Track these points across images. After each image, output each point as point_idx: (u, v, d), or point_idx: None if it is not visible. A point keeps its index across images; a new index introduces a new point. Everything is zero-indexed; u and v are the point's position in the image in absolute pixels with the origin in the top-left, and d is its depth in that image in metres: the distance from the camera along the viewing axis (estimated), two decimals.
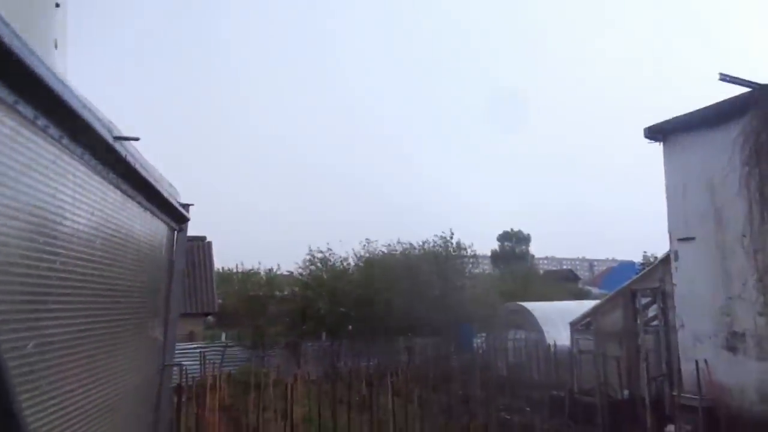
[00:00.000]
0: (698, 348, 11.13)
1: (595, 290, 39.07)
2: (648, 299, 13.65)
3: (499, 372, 16.85)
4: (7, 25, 1.27)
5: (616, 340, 13.87)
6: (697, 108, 11.42)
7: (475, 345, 23.25)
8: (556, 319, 17.50)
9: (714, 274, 11.01)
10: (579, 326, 15.49)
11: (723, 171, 10.62)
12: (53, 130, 1.83)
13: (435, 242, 25.02)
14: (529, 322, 18.28)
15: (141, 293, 3.44)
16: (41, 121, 1.71)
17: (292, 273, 25.91)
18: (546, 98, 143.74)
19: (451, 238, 24.96)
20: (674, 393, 11.35)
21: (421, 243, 25.19)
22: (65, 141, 1.94)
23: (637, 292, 13.79)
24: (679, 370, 11.62)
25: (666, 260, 12.57)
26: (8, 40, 1.29)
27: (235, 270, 29.17)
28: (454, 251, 25.09)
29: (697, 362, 10.65)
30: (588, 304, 16.89)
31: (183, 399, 9.55)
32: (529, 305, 19.28)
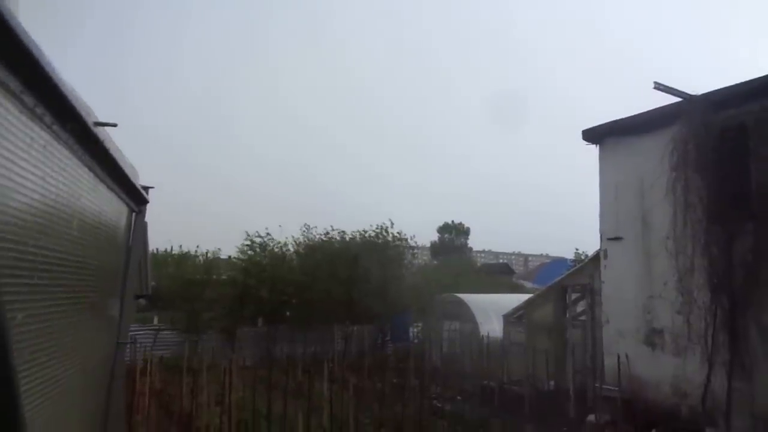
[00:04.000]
0: (621, 343, 11.73)
1: (528, 284, 40.35)
2: (577, 295, 14.26)
3: (433, 362, 17.21)
4: (16, 20, 1.29)
5: (545, 334, 14.43)
6: (632, 114, 11.96)
7: (411, 334, 23.63)
8: (491, 311, 17.99)
9: (639, 274, 11.60)
10: (512, 319, 16.01)
11: (652, 175, 11.18)
12: (48, 118, 1.90)
13: (374, 231, 25.11)
14: (465, 313, 18.71)
15: (103, 272, 3.42)
16: (39, 110, 1.80)
17: (230, 257, 25.47)
18: (488, 95, 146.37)
19: (391, 227, 25.14)
20: (597, 385, 11.94)
21: (361, 231, 25.23)
22: (55, 127, 2.00)
23: (568, 287, 14.38)
24: (603, 363, 12.21)
25: (596, 258, 13.13)
26: (26, 40, 1.32)
27: (170, 252, 28.39)
28: (392, 240, 25.28)
29: (618, 356, 11.23)
30: (521, 298, 17.46)
31: None
32: (464, 297, 19.72)
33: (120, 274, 4.02)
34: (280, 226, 26.25)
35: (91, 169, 2.72)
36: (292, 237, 25.12)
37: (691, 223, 10.54)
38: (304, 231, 25.25)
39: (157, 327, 21.27)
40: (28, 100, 1.71)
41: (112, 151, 2.72)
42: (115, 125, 2.68)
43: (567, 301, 14.28)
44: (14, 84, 1.56)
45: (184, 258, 26.86)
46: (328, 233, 25.19)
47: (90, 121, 2.29)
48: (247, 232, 23.96)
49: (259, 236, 24.03)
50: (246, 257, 23.71)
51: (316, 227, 25.45)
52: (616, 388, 11.20)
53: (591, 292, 13.29)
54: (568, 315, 14.37)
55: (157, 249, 28.35)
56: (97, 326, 3.58)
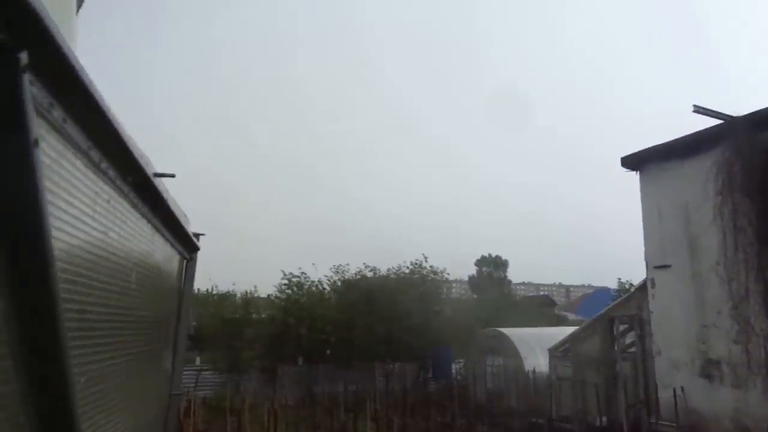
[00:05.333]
0: (675, 375, 11.24)
1: (571, 316, 39.33)
2: (625, 326, 13.78)
3: (478, 399, 16.77)
4: (88, 76, 1.36)
5: (594, 367, 13.94)
6: (672, 138, 11.73)
7: (453, 371, 23.16)
8: (534, 345, 17.53)
9: (690, 302, 11.18)
10: (557, 352, 15.54)
11: (697, 200, 10.87)
12: (112, 172, 1.97)
13: (408, 268, 24.94)
14: (508, 347, 18.27)
15: (157, 323, 3.43)
16: (104, 165, 1.86)
17: (269, 296, 25.61)
18: (525, 127, 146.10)
19: (426, 262, 24.93)
20: (652, 420, 11.41)
21: (395, 269, 25.08)
22: (118, 181, 2.07)
23: (615, 319, 13.92)
24: (657, 397, 11.70)
25: (643, 287, 12.73)
26: (98, 98, 1.39)
27: (210, 291, 28.72)
28: (428, 275, 25.03)
29: (674, 390, 10.74)
30: (566, 331, 16.98)
31: None
32: (507, 331, 19.30)
33: (173, 323, 4.04)
34: (313, 264, 26.30)
35: (149, 220, 2.77)
36: (326, 276, 25.16)
37: (742, 247, 10.16)
38: (336, 270, 25.26)
39: (199, 367, 21.37)
40: (95, 155, 1.77)
41: (169, 202, 2.77)
42: (173, 176, 2.74)
43: (615, 333, 13.81)
44: (83, 142, 1.62)
45: (224, 298, 27.12)
46: (360, 271, 25.14)
47: (149, 172, 2.34)
48: (283, 271, 24.14)
49: (295, 275, 24.16)
50: (284, 296, 23.82)
51: (348, 265, 25.44)
52: (674, 424, 10.68)
53: (640, 323, 12.84)
54: (616, 347, 13.87)
55: (198, 289, 28.76)
56: (152, 379, 3.59)
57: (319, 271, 25.88)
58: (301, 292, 23.94)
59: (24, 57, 1.10)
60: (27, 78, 1.12)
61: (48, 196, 1.31)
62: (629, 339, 13.74)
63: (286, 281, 24.01)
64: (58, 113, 1.41)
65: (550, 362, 15.66)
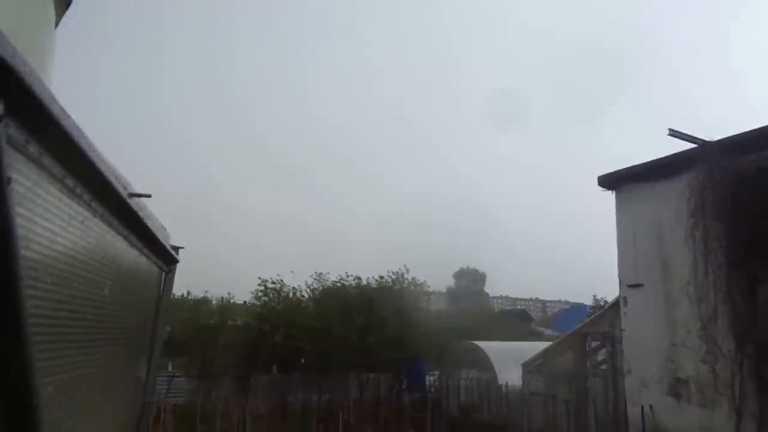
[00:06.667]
0: (644, 393, 11.40)
1: (548, 331, 39.65)
2: (597, 343, 13.97)
3: (450, 412, 16.81)
4: (56, 102, 1.48)
5: (566, 382, 14.08)
6: (648, 160, 11.97)
7: (428, 383, 23.18)
8: (509, 359, 17.66)
9: (660, 321, 11.37)
10: (531, 367, 15.68)
11: (671, 221, 11.10)
12: (86, 195, 2.13)
13: (389, 278, 24.91)
14: (482, 361, 18.37)
15: (132, 333, 3.50)
16: (70, 181, 1.97)
17: (245, 302, 25.41)
18: (502, 141, 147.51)
19: (407, 273, 24.94)
20: None
21: (377, 278, 25.04)
22: (94, 204, 2.22)
23: (588, 335, 14.11)
24: (626, 414, 11.84)
25: (616, 305, 12.92)
26: (67, 126, 1.52)
27: (185, 296, 28.41)
28: (408, 286, 25.04)
29: (642, 407, 10.90)
30: (540, 346, 17.14)
31: None
32: (482, 344, 19.42)
33: (149, 332, 4.09)
34: (292, 272, 26.13)
35: (125, 238, 2.89)
36: (305, 283, 25.03)
37: (712, 269, 10.38)
38: (316, 278, 25.14)
39: (172, 373, 21.13)
40: (69, 181, 1.92)
41: (145, 219, 2.89)
42: (149, 196, 2.86)
43: (587, 350, 13.98)
44: (58, 171, 1.78)
45: (200, 303, 26.84)
46: (341, 279, 25.05)
47: (125, 193, 2.48)
48: (260, 278, 23.97)
49: (273, 282, 24.00)
50: (260, 302, 23.65)
51: (329, 273, 25.33)
52: None
53: (612, 340, 13.02)
54: (588, 364, 14.04)
55: (173, 294, 28.36)
56: (125, 388, 3.64)
57: (299, 279, 25.73)
58: (277, 300, 23.79)
59: (0, 108, 1.24)
60: (3, 124, 1.25)
61: (22, 221, 1.47)
62: (601, 356, 13.92)
63: (262, 288, 23.85)
64: (33, 148, 1.56)
65: (523, 376, 15.79)
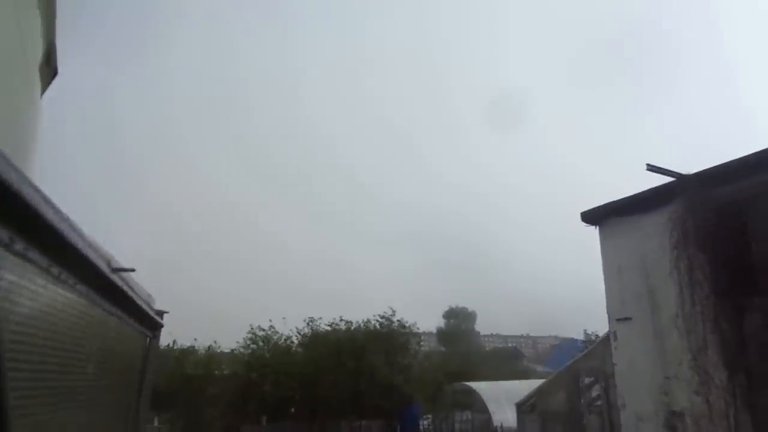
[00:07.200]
0: (640, 427, 11.28)
1: (540, 368, 39.33)
2: (590, 379, 13.88)
3: None
4: (40, 195, 1.58)
5: (561, 421, 13.91)
6: (629, 194, 12.17)
7: (421, 427, 22.76)
8: (502, 399, 17.45)
9: (651, 354, 11.35)
10: (525, 407, 15.49)
11: (655, 254, 11.21)
12: (71, 280, 2.24)
13: (378, 321, 24.71)
14: (476, 402, 18.12)
15: (116, 401, 3.53)
16: (55, 269, 2.07)
17: (233, 351, 25.01)
18: (486, 177, 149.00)
19: (393, 315, 24.76)
20: None
21: (363, 321, 24.81)
22: (78, 286, 2.33)
23: (580, 371, 14.02)
24: None
25: (606, 340, 12.90)
26: (51, 219, 1.60)
27: (170, 347, 27.86)
28: (397, 328, 24.81)
29: None
30: (533, 384, 16.98)
31: None
32: (475, 385, 19.20)
33: (134, 397, 4.11)
34: (284, 318, 25.88)
35: (110, 312, 2.98)
36: (296, 329, 24.74)
37: (698, 299, 10.46)
38: (308, 322, 24.89)
39: (158, 428, 20.55)
40: (54, 270, 2.05)
41: (130, 292, 2.98)
42: (132, 270, 2.95)
43: (580, 386, 13.88)
44: (44, 261, 1.86)
45: (186, 353, 26.34)
46: (332, 324, 24.81)
47: (108, 270, 2.59)
48: (251, 325, 23.68)
49: (262, 329, 23.70)
50: (249, 351, 23.28)
51: (321, 318, 25.09)
52: None
53: (604, 376, 12.95)
54: (582, 400, 13.92)
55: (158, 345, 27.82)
56: None
57: (290, 324, 25.44)
58: (266, 347, 23.42)
59: None
60: None
61: (9, 306, 1.64)
62: (595, 392, 13.81)
63: (251, 335, 23.51)
64: (19, 245, 1.69)
65: (517, 417, 15.57)
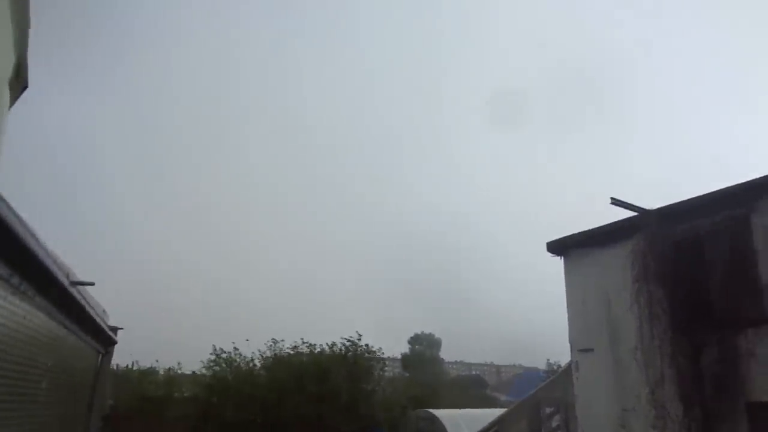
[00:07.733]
0: None
1: (503, 397, 39.40)
2: (551, 409, 13.99)
3: None
4: (8, 206, 1.59)
5: None
6: (592, 227, 12.45)
7: None
8: (465, 427, 17.42)
9: (611, 386, 11.53)
10: None
11: (617, 287, 11.46)
12: (30, 291, 2.20)
13: (343, 345, 24.54)
14: (438, 429, 18.05)
15: (68, 417, 3.50)
16: (23, 286, 2.04)
17: (194, 372, 24.49)
18: (452, 209, 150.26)
19: (359, 340, 24.62)
20: None
21: (329, 345, 24.63)
22: (37, 298, 2.29)
23: (541, 401, 14.13)
24: None
25: (568, 370, 13.05)
26: (15, 228, 1.64)
27: (130, 367, 27.11)
28: (362, 353, 24.66)
29: None
30: (496, 412, 17.02)
31: None
32: (438, 413, 19.14)
33: (84, 412, 4.07)
34: (247, 340, 25.50)
35: (66, 327, 2.98)
36: (259, 351, 24.40)
37: (657, 334, 10.69)
38: (271, 345, 24.58)
39: None
40: (15, 280, 2.07)
41: (87, 307, 2.98)
42: (92, 284, 2.95)
43: (541, 416, 13.98)
44: (4, 270, 1.94)
45: (146, 374, 25.67)
46: (296, 347, 24.55)
47: (67, 282, 2.59)
48: (214, 346, 23.28)
49: (225, 351, 23.31)
50: (211, 373, 22.83)
51: (283, 341, 24.82)
52: None
53: (565, 406, 13.07)
54: (543, 430, 14.00)
55: (117, 365, 27.14)
56: None
57: (253, 346, 25.04)
58: (229, 369, 23.02)
59: None
60: None
61: None
62: (555, 422, 13.91)
63: (214, 357, 23.09)
64: None
65: None
